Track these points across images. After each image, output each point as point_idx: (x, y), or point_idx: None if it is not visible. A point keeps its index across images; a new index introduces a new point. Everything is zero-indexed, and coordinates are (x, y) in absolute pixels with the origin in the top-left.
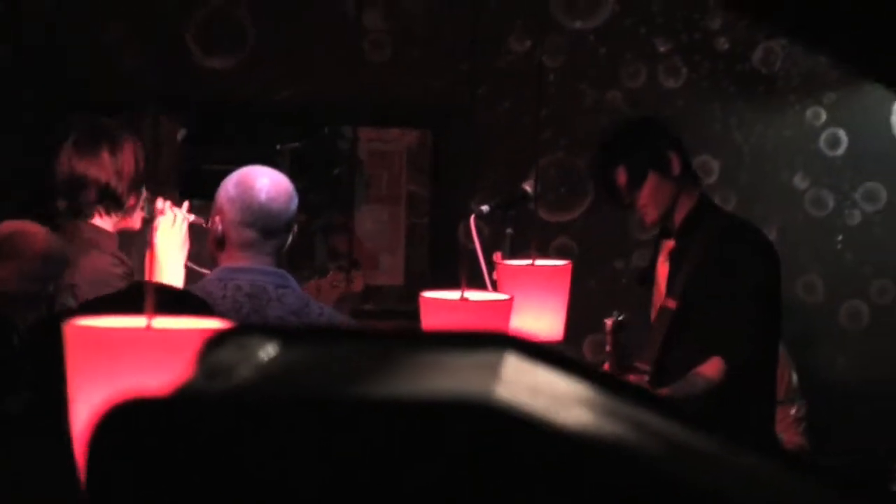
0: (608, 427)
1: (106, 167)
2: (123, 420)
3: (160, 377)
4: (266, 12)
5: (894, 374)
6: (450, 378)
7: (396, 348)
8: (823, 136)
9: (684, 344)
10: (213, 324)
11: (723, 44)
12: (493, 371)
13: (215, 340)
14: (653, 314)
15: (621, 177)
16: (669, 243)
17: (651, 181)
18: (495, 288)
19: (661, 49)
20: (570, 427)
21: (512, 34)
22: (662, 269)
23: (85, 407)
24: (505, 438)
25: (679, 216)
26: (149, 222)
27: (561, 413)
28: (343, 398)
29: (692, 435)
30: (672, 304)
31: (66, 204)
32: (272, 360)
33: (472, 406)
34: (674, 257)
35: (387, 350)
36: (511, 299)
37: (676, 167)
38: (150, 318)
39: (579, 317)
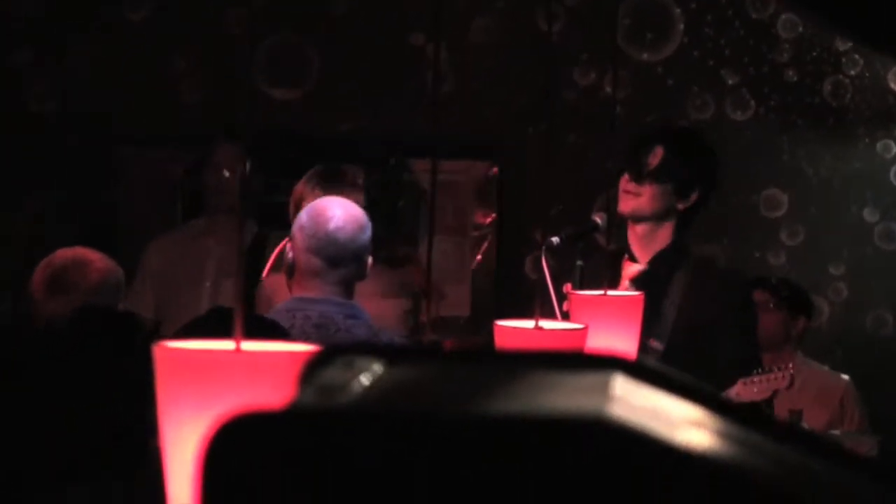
0: (721, 447)
1: None
2: (239, 435)
3: (249, 399)
4: (330, 44)
5: None
6: (562, 397)
7: (506, 368)
8: (894, 169)
9: None
10: (301, 347)
11: (791, 76)
12: (605, 391)
13: (322, 359)
14: None
15: (659, 159)
16: (630, 269)
17: (679, 191)
18: (566, 319)
19: (730, 81)
20: (683, 446)
21: (577, 67)
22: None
23: (173, 428)
24: (620, 456)
25: (655, 246)
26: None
27: (674, 432)
28: (459, 414)
29: (805, 457)
30: (658, 345)
31: None
32: (383, 378)
33: (587, 424)
34: (643, 289)
35: (496, 370)
36: (585, 329)
37: (691, 201)
38: (237, 341)
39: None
